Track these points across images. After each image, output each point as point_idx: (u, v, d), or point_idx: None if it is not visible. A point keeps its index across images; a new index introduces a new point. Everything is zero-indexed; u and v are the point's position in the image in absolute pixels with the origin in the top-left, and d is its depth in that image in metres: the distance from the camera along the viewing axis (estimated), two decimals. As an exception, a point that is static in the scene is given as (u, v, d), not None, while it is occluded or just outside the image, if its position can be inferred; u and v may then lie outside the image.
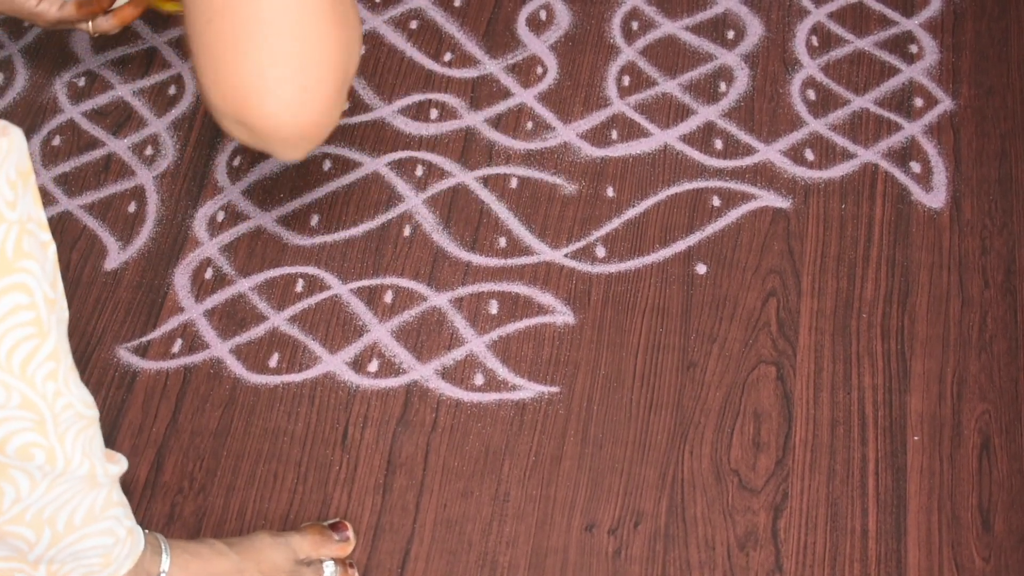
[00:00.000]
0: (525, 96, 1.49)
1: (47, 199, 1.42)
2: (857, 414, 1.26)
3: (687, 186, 1.42)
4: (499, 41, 1.54)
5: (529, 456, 1.25)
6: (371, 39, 1.54)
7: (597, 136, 1.46)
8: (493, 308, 1.34)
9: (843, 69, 1.50)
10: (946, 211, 1.39)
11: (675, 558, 1.19)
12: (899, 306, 1.32)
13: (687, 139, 1.45)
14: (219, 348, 1.32)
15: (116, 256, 1.39)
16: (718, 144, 1.44)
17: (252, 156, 1.45)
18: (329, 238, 1.39)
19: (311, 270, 1.37)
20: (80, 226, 1.41)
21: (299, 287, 1.36)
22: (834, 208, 1.39)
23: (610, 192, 1.41)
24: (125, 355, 1.32)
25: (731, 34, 1.53)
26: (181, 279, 1.37)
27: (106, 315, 1.34)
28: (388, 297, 1.35)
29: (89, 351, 1.31)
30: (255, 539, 1.15)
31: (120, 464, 0.96)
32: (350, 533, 1.19)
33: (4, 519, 0.88)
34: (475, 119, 1.47)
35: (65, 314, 0.86)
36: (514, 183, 1.42)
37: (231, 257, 1.38)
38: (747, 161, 1.43)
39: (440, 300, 1.35)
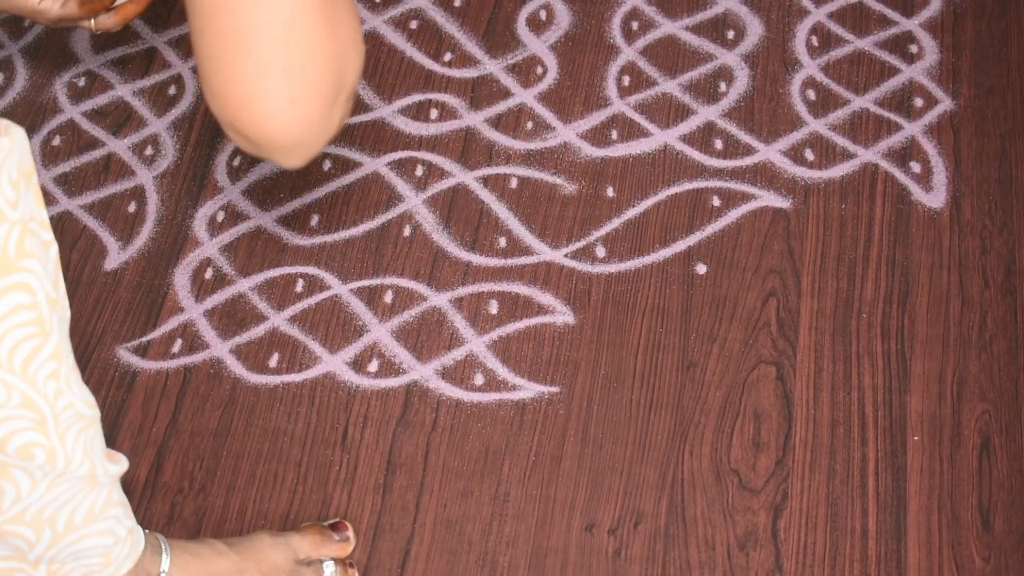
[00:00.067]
0: (525, 96, 1.49)
1: (47, 199, 1.42)
2: (857, 414, 1.26)
3: (687, 186, 1.42)
4: (499, 41, 1.54)
5: (529, 456, 1.25)
6: (371, 39, 1.54)
7: (597, 136, 1.46)
8: (493, 308, 1.34)
9: (843, 69, 1.50)
10: (946, 211, 1.39)
11: (675, 558, 1.19)
12: (899, 306, 1.32)
13: (687, 139, 1.45)
14: (219, 348, 1.32)
15: (116, 256, 1.39)
16: (718, 144, 1.44)
17: (252, 156, 1.45)
18: (329, 238, 1.39)
19: (311, 270, 1.37)
20: (80, 226, 1.41)
21: (299, 287, 1.36)
22: (834, 208, 1.39)
23: (610, 192, 1.41)
24: (125, 355, 1.32)
25: (731, 34, 1.53)
26: (181, 279, 1.37)
27: (106, 315, 1.34)
28: (388, 297, 1.35)
29: (89, 351, 1.31)
30: (255, 539, 1.14)
31: (121, 464, 0.96)
32: (350, 533, 1.19)
33: (4, 518, 0.88)
34: (475, 119, 1.47)
35: (67, 314, 0.86)
36: (514, 183, 1.42)
37: (231, 257, 1.38)
38: (747, 161, 1.43)
39: (440, 300, 1.35)
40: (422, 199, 1.41)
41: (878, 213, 1.39)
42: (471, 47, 1.53)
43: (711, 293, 1.34)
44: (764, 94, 1.48)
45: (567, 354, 1.31)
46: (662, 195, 1.41)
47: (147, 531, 1.06)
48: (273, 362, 1.31)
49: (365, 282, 1.36)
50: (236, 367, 1.31)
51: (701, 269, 1.36)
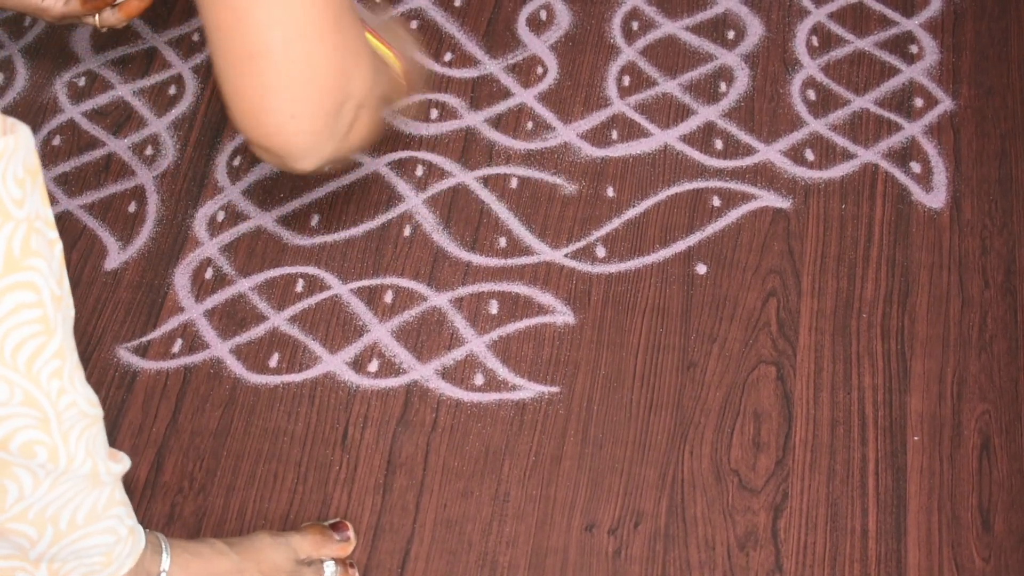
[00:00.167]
0: (525, 96, 1.49)
1: (47, 199, 1.42)
2: (857, 414, 1.26)
3: (687, 186, 1.42)
4: (499, 41, 1.54)
5: (529, 456, 1.25)
6: (371, 39, 1.54)
7: (597, 136, 1.46)
8: (493, 308, 1.34)
9: (843, 69, 1.50)
10: (946, 211, 1.39)
11: (675, 558, 1.19)
12: (899, 306, 1.32)
13: (687, 139, 1.45)
14: (219, 348, 1.32)
15: (116, 256, 1.39)
16: (718, 144, 1.45)
17: (252, 156, 1.45)
18: (329, 238, 1.39)
19: (311, 270, 1.37)
20: (80, 226, 1.41)
21: (299, 287, 1.36)
22: (834, 208, 1.39)
23: (610, 192, 1.41)
24: (125, 355, 1.32)
25: (731, 34, 1.53)
26: (181, 279, 1.37)
27: (106, 315, 1.34)
28: (388, 297, 1.35)
29: (89, 351, 1.31)
30: (255, 539, 1.14)
31: (123, 463, 0.96)
32: (351, 533, 1.19)
33: (6, 517, 0.88)
34: (475, 119, 1.47)
35: (71, 312, 0.86)
36: (514, 183, 1.42)
37: (231, 257, 1.38)
38: (747, 161, 1.43)
39: (440, 300, 1.35)
40: (422, 199, 1.41)
41: (878, 213, 1.39)
42: (471, 47, 1.53)
43: (711, 293, 1.34)
44: (764, 94, 1.48)
45: (567, 354, 1.31)
46: (662, 195, 1.41)
47: (147, 530, 1.06)
48: (273, 362, 1.31)
49: (365, 282, 1.36)
50: (236, 367, 1.31)
51: (701, 269, 1.36)
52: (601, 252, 1.37)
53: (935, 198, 1.40)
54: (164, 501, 1.23)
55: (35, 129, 1.47)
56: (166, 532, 1.20)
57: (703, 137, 1.45)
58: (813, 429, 1.25)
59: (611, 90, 1.49)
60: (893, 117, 1.46)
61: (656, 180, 1.42)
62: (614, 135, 1.46)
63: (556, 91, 1.49)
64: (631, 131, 1.46)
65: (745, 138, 1.45)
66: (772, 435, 1.25)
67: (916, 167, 1.42)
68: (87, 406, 0.87)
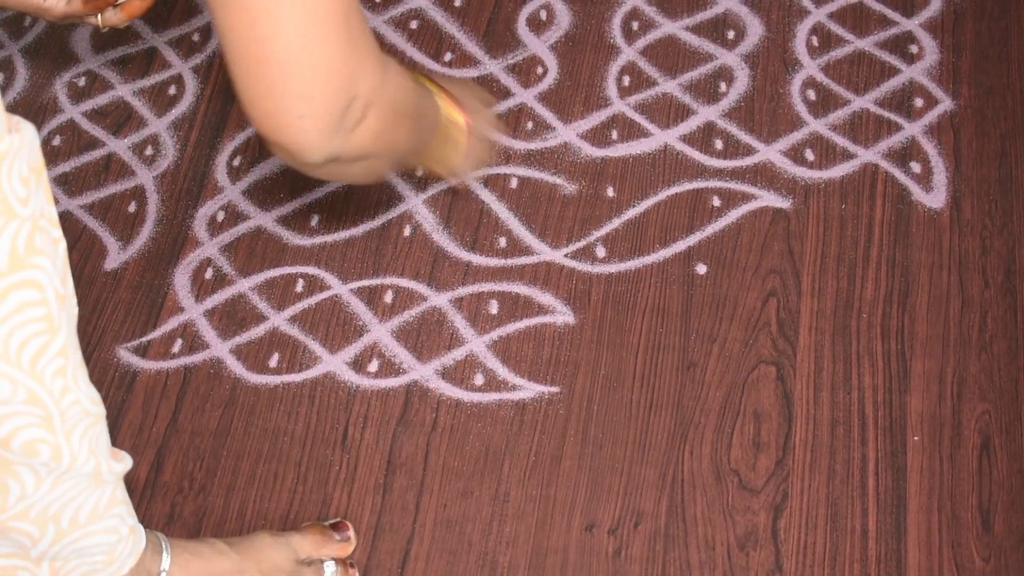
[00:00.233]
0: (525, 96, 1.49)
1: (47, 199, 1.42)
2: (857, 414, 1.26)
3: (687, 186, 1.42)
4: (499, 41, 1.54)
5: (529, 456, 1.25)
6: (371, 39, 1.54)
7: (597, 136, 1.46)
8: (493, 308, 1.34)
9: (843, 69, 1.50)
10: (946, 211, 1.39)
11: (675, 558, 1.19)
12: (899, 306, 1.32)
13: (687, 139, 1.45)
14: (219, 348, 1.32)
15: (116, 256, 1.39)
16: (718, 144, 1.45)
17: (252, 156, 1.45)
18: (329, 238, 1.39)
19: (311, 270, 1.37)
20: (80, 226, 1.41)
21: (299, 287, 1.36)
22: (834, 208, 1.39)
23: (610, 192, 1.41)
24: (125, 355, 1.32)
25: (731, 34, 1.53)
26: (181, 279, 1.37)
27: (106, 315, 1.34)
28: (388, 297, 1.35)
29: (89, 351, 1.31)
30: (255, 539, 1.15)
31: (125, 462, 0.96)
32: (351, 533, 1.19)
33: (8, 515, 0.88)
34: (475, 119, 1.47)
35: (75, 311, 0.86)
36: (514, 183, 1.42)
37: (231, 257, 1.38)
38: (747, 161, 1.43)
39: (440, 300, 1.35)
40: (422, 199, 1.41)
41: (878, 213, 1.39)
42: (471, 47, 1.53)
43: (711, 293, 1.34)
44: (764, 94, 1.48)
45: (567, 354, 1.31)
46: (662, 195, 1.41)
47: (148, 530, 1.06)
48: (273, 362, 1.31)
49: (365, 282, 1.36)
50: (236, 367, 1.31)
51: (701, 269, 1.36)
52: (601, 252, 1.37)
53: (935, 198, 1.40)
54: (164, 501, 1.23)
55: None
56: (166, 532, 1.20)
57: (703, 137, 1.45)
58: (813, 429, 1.25)
59: (611, 90, 1.49)
60: (893, 117, 1.46)
61: (656, 180, 1.42)
62: (614, 135, 1.46)
63: (556, 91, 1.49)
64: (631, 131, 1.46)
65: (745, 138, 1.45)
66: (772, 435, 1.25)
67: (916, 167, 1.42)
68: (90, 405, 0.87)
